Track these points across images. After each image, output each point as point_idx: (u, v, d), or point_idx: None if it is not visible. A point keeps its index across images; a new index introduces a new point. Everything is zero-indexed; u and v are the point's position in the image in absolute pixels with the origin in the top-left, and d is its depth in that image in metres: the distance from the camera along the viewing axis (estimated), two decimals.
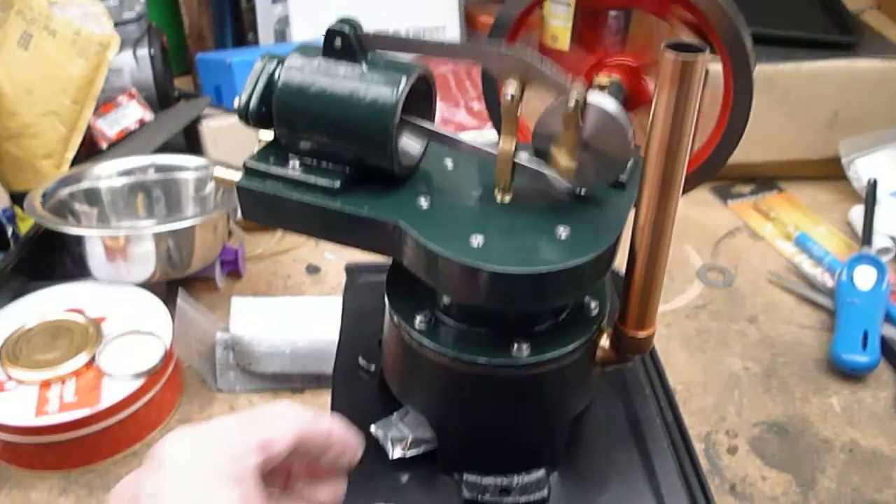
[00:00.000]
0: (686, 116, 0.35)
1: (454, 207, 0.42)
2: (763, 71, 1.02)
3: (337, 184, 0.42)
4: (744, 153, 1.16)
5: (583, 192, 0.43)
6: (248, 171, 0.43)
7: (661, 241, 0.39)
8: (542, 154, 0.42)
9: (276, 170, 0.43)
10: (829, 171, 1.11)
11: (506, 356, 0.41)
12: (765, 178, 1.16)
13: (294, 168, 0.43)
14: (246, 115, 0.43)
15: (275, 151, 0.44)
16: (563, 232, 0.39)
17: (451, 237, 0.39)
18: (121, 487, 0.36)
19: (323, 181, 0.42)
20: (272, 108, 0.42)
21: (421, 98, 0.43)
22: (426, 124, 0.43)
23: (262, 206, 0.44)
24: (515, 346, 0.41)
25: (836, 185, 1.12)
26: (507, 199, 0.42)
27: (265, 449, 0.36)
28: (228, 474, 0.34)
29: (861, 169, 1.08)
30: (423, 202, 0.42)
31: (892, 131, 1.08)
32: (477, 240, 0.39)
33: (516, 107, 0.39)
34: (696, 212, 1.10)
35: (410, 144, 0.44)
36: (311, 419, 0.39)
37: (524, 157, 0.45)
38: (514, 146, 0.40)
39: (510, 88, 0.38)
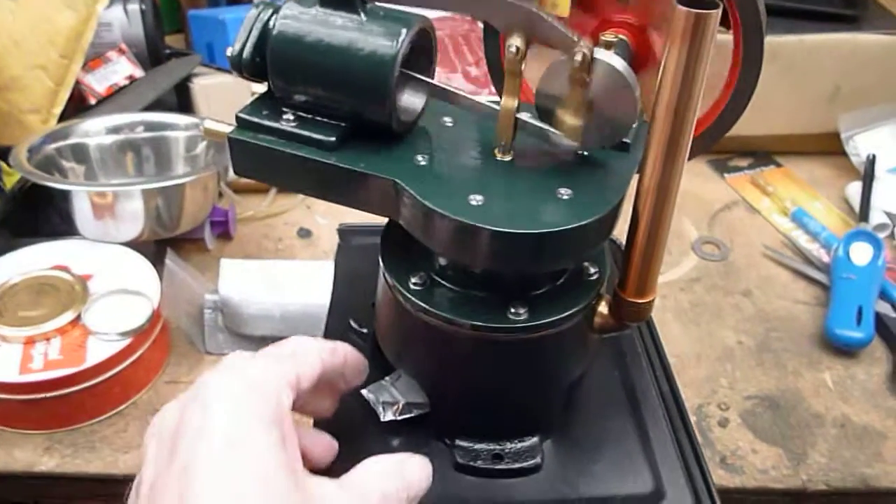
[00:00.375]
0: (697, 74, 0.33)
1: (453, 166, 0.41)
2: (766, 43, 1.00)
3: (333, 138, 0.40)
4: (743, 126, 1.15)
5: (586, 153, 0.41)
6: (241, 124, 0.42)
7: (666, 204, 0.37)
8: (545, 114, 0.40)
9: (269, 122, 0.41)
10: (828, 146, 1.10)
11: (502, 319, 0.40)
12: (763, 153, 1.15)
13: (288, 121, 0.41)
14: (239, 65, 0.41)
15: (268, 104, 0.42)
16: (564, 193, 0.38)
17: (449, 195, 0.38)
18: (162, 420, 0.36)
19: (318, 135, 0.40)
20: (266, 59, 0.40)
21: (421, 52, 0.41)
22: (427, 79, 0.41)
23: (253, 160, 0.42)
24: (512, 309, 0.40)
25: (835, 160, 1.11)
26: (508, 158, 0.41)
27: (297, 387, 0.37)
28: (269, 417, 0.35)
29: (860, 144, 1.07)
30: (422, 160, 0.40)
31: (892, 107, 1.07)
32: (476, 198, 0.37)
33: (520, 61, 0.37)
34: (694, 184, 1.09)
35: (410, 99, 0.42)
36: (331, 351, 0.41)
37: (527, 116, 0.44)
38: (517, 103, 0.39)
39: (514, 41, 0.37)
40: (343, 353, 0.42)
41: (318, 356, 0.40)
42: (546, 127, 0.40)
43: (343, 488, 0.36)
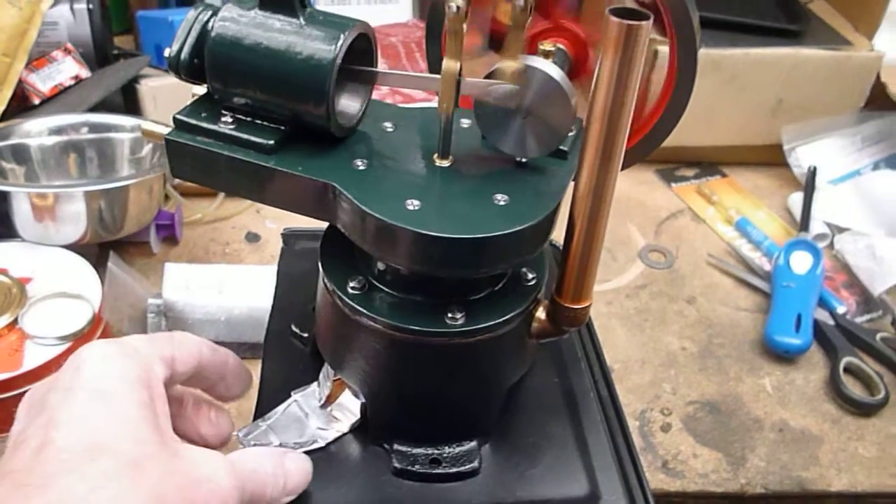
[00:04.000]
0: (629, 83, 0.34)
1: (391, 170, 0.41)
2: (710, 55, 1.02)
3: (271, 141, 0.40)
4: (689, 137, 1.17)
5: (524, 160, 0.42)
6: (178, 125, 0.42)
7: (600, 210, 0.38)
8: (484, 119, 0.41)
9: (207, 124, 0.41)
10: (772, 158, 1.12)
11: (439, 324, 0.40)
12: (709, 163, 1.17)
13: (227, 123, 0.41)
14: (177, 67, 0.41)
15: (207, 106, 0.42)
16: (501, 199, 0.39)
17: (386, 200, 0.38)
18: (35, 387, 0.38)
19: (257, 138, 0.40)
20: (204, 61, 0.40)
21: (361, 56, 0.42)
22: (366, 68, 0.41)
23: (191, 163, 0.42)
24: (450, 314, 0.41)
25: (778, 171, 1.14)
26: (447, 163, 0.41)
27: (171, 365, 0.40)
28: (138, 378, 0.37)
29: (802, 156, 1.10)
30: (360, 164, 0.41)
31: (833, 120, 1.10)
32: (413, 203, 0.38)
33: (462, 20, 0.37)
34: (641, 192, 1.11)
35: (348, 104, 0.42)
36: (212, 349, 0.43)
37: (467, 123, 0.45)
38: (459, 65, 0.39)
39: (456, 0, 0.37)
40: (225, 355, 0.45)
41: (197, 347, 0.42)
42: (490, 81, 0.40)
43: (215, 455, 0.38)
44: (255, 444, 0.44)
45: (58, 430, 0.34)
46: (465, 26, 0.38)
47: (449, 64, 0.38)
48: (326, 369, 0.46)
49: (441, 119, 0.40)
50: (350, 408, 0.45)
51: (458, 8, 0.37)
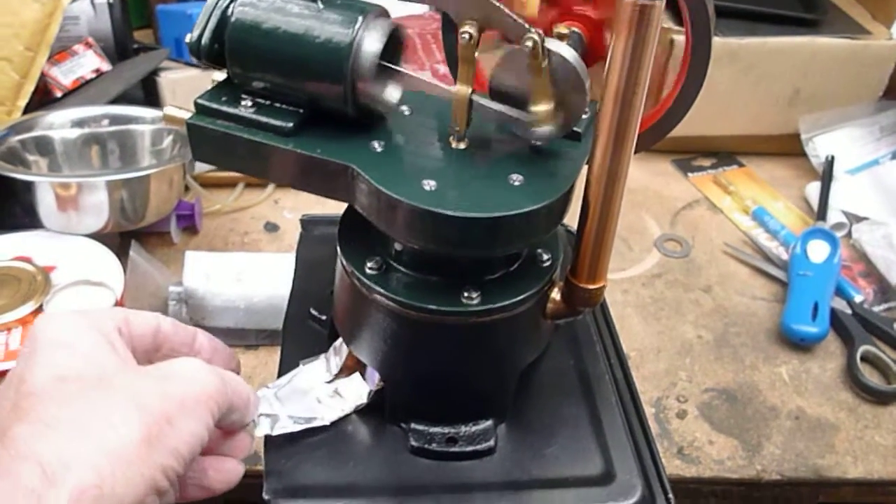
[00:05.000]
0: (642, 62, 0.35)
1: (408, 152, 0.42)
2: (727, 45, 1.02)
3: (290, 124, 0.41)
4: (706, 126, 1.17)
5: (538, 141, 0.42)
6: (199, 109, 0.42)
7: (615, 191, 0.39)
8: (500, 100, 0.41)
9: (227, 108, 0.42)
10: (789, 147, 1.12)
11: (455, 303, 0.41)
12: (725, 153, 1.17)
13: (246, 107, 0.42)
14: (198, 52, 0.42)
15: (228, 90, 0.43)
16: (516, 179, 0.39)
17: (403, 181, 0.39)
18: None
19: (276, 121, 0.41)
20: (225, 46, 0.41)
21: (391, 43, 0.42)
22: (383, 62, 0.42)
23: (212, 146, 0.43)
24: (465, 293, 0.41)
25: (795, 161, 1.13)
26: (463, 146, 0.42)
27: (123, 321, 0.42)
28: (91, 325, 0.40)
29: (820, 146, 1.09)
30: (377, 146, 0.41)
31: (851, 109, 1.10)
32: (430, 184, 0.38)
33: (474, 48, 0.38)
34: (657, 183, 1.11)
35: (382, 89, 0.43)
36: (172, 322, 0.45)
37: (485, 101, 0.45)
38: (471, 90, 0.40)
39: (467, 28, 0.38)
40: (192, 331, 0.46)
41: (153, 316, 0.44)
42: (503, 108, 0.41)
43: (191, 358, 0.41)
44: (259, 413, 0.45)
45: (28, 380, 0.37)
46: (476, 54, 0.39)
47: (461, 90, 0.39)
48: (339, 343, 0.47)
49: (454, 135, 0.41)
50: (357, 388, 0.46)
51: (470, 36, 0.38)
